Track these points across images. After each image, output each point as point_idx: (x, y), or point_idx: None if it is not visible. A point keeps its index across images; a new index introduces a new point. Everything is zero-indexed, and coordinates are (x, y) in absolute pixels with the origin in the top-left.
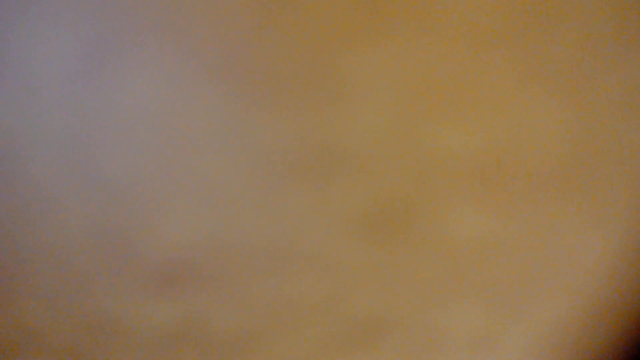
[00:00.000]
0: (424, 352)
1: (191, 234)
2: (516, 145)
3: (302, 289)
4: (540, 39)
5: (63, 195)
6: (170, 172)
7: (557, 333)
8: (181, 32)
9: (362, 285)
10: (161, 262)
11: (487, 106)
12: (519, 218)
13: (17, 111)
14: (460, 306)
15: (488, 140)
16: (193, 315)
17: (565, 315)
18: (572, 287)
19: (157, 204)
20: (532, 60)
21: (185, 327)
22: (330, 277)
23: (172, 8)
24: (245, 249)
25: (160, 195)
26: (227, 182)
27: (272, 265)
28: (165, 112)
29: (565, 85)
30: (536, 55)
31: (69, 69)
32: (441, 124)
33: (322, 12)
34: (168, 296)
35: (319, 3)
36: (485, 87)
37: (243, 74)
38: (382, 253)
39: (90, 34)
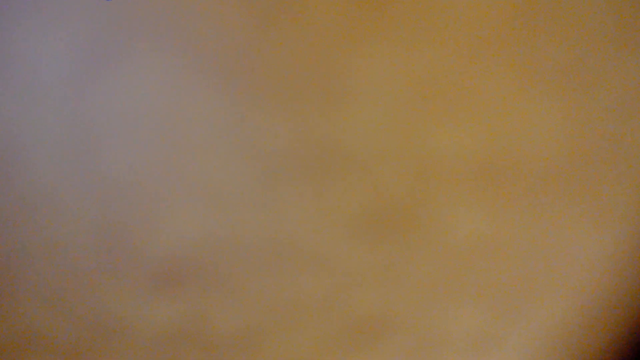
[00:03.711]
0: (424, 352)
1: (192, 234)
2: (516, 146)
3: (303, 288)
4: (539, 41)
5: (65, 195)
6: (171, 172)
7: (557, 333)
8: (183, 34)
9: (363, 285)
10: (162, 261)
11: (487, 108)
12: (518, 218)
13: (20, 112)
14: (460, 306)
15: (488, 142)
16: (194, 314)
17: (565, 315)
18: (572, 287)
19: (158, 203)
20: (531, 62)
21: (186, 325)
22: (330, 277)
23: (173, 11)
24: (246, 248)
25: (161, 195)
26: (229, 182)
27: (273, 265)
28: (166, 112)
29: (564, 86)
30: (535, 57)
31: (71, 70)
32: (441, 126)
33: (323, 15)
34: (169, 295)
35: (320, 6)
36: (485, 89)
37: (244, 75)
38: (382, 253)
39: (92, 36)
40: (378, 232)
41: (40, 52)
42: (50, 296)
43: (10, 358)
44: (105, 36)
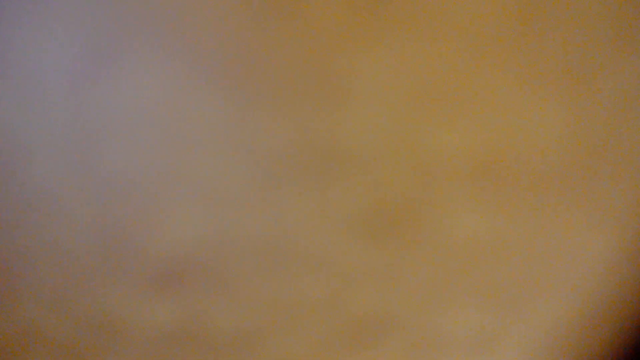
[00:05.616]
0: (424, 352)
1: (192, 234)
2: (516, 145)
3: (303, 289)
4: (539, 39)
5: (65, 195)
6: (171, 172)
7: (557, 333)
8: (182, 33)
9: (363, 285)
10: (162, 261)
11: (487, 107)
12: (518, 218)
13: (19, 111)
14: (460, 306)
15: (488, 141)
16: (194, 314)
17: (565, 316)
18: (572, 287)
19: (158, 203)
20: (531, 60)
21: (186, 326)
22: (330, 277)
23: (173, 9)
24: (246, 248)
25: (161, 195)
26: (228, 182)
27: (272, 265)
28: (166, 112)
29: (564, 85)
30: (535, 56)
31: (71, 69)
32: (441, 125)
33: (322, 15)
34: (169, 295)
35: (319, 6)
36: (485, 88)
37: (243, 75)
38: (382, 253)
39: (92, 34)
40: (378, 232)
41: (39, 52)
42: (50, 296)
43: (10, 358)
44: (105, 36)
